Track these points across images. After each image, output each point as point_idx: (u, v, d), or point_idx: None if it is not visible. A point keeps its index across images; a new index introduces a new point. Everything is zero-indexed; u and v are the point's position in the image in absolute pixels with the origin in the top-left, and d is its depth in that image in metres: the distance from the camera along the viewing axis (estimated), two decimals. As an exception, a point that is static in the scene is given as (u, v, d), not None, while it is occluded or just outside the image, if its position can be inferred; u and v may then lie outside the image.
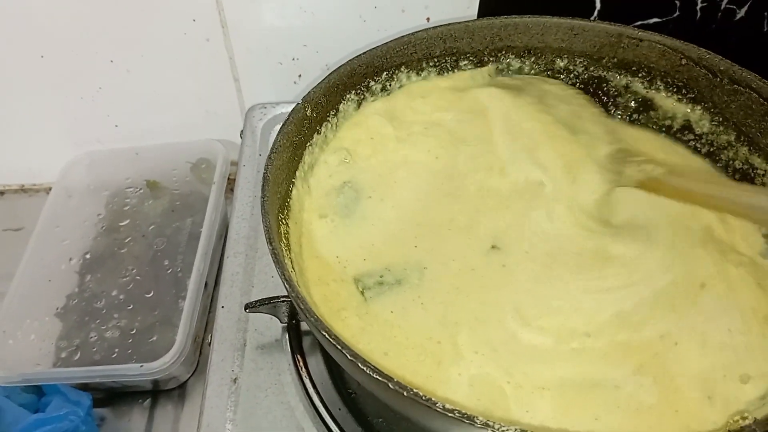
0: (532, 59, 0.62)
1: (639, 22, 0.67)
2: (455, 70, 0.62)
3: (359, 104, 0.59)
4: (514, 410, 0.42)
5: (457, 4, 0.68)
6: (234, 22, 0.69)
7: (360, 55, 0.57)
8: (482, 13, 0.68)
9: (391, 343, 0.46)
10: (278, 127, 0.52)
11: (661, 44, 0.57)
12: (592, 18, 0.66)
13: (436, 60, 0.61)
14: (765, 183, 0.53)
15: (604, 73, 0.61)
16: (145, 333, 0.67)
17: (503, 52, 0.62)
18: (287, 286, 0.40)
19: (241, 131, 0.72)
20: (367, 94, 0.59)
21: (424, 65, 0.61)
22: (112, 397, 0.67)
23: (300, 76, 0.75)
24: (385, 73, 0.59)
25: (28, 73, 0.73)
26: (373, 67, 0.58)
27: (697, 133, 0.58)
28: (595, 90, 0.62)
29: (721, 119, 0.56)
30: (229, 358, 0.54)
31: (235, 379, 0.53)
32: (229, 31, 0.69)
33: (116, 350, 0.65)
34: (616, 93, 0.62)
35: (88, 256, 0.74)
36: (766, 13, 0.66)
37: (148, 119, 0.80)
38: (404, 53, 0.59)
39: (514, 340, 0.45)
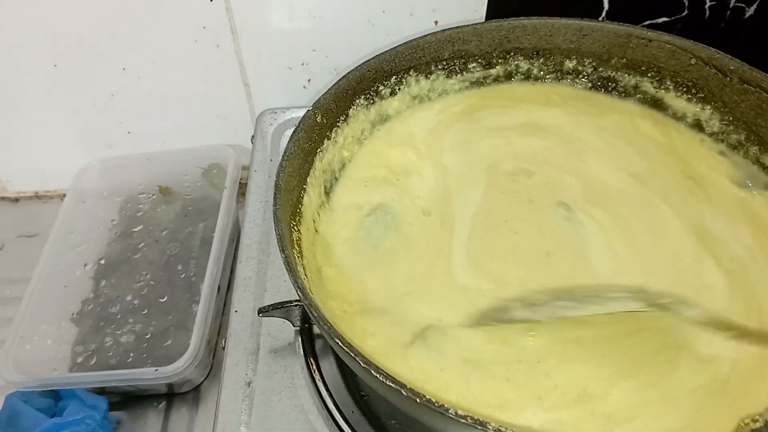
0: (541, 60, 0.62)
1: (647, 22, 0.67)
2: (464, 73, 0.62)
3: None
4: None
5: (465, 7, 0.68)
6: (243, 28, 0.69)
7: (369, 59, 0.57)
8: (490, 15, 0.68)
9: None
10: (289, 131, 0.52)
11: (670, 44, 0.57)
12: (600, 18, 0.66)
13: (444, 63, 0.61)
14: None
15: (614, 73, 0.61)
16: (159, 337, 0.67)
17: (512, 54, 0.62)
18: (300, 293, 0.41)
19: (252, 136, 0.72)
20: (376, 98, 0.59)
21: (432, 68, 0.61)
22: (128, 400, 0.68)
23: (309, 80, 0.75)
24: (394, 77, 0.59)
25: (42, 82, 0.74)
26: (382, 71, 0.58)
27: (707, 132, 0.58)
28: (604, 90, 0.62)
29: (731, 118, 0.56)
30: (243, 361, 0.54)
31: (249, 382, 0.53)
32: (239, 37, 0.70)
33: (131, 354, 0.66)
34: (625, 93, 0.62)
35: (102, 261, 0.75)
36: (775, 11, 0.66)
37: (160, 125, 0.80)
38: (413, 57, 0.59)
39: None
